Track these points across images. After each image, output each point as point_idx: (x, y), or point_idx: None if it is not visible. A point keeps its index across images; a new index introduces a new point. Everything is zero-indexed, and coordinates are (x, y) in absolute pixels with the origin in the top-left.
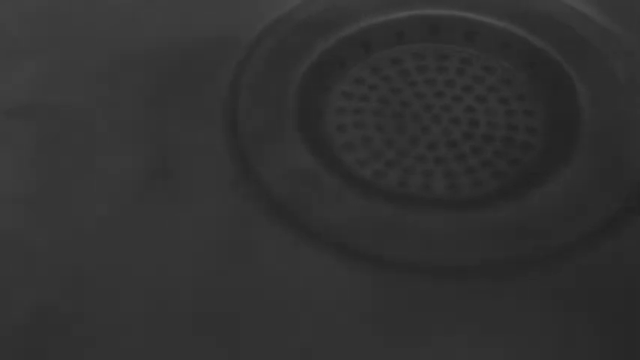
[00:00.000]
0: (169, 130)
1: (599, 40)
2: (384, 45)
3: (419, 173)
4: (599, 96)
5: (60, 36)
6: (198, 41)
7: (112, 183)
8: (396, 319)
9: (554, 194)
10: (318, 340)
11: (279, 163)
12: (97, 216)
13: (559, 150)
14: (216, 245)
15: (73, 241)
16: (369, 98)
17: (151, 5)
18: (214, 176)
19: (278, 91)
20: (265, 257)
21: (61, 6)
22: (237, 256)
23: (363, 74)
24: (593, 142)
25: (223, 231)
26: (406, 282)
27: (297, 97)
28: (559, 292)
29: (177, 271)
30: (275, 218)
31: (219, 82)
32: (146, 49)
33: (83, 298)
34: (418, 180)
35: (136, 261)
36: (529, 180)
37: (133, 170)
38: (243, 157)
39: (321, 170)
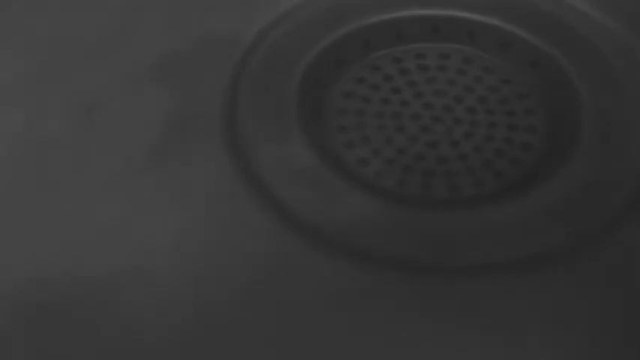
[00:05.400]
0: (168, 129)
1: (600, 39)
2: (384, 44)
3: (419, 173)
4: (600, 95)
5: (63, 42)
6: (198, 41)
7: (110, 182)
8: (396, 319)
9: (555, 194)
10: (318, 340)
11: (280, 163)
12: (98, 217)
13: (559, 150)
14: (216, 245)
15: (77, 242)
16: (370, 98)
17: (151, 6)
18: (214, 176)
19: (278, 90)
20: (265, 257)
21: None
22: (237, 256)
23: (363, 74)
24: (593, 141)
25: (223, 231)
26: (406, 282)
27: (297, 96)
28: (560, 292)
29: (176, 272)
30: (275, 218)
31: (219, 82)
32: (146, 50)
33: (79, 291)
34: (419, 180)
35: (135, 262)
36: (529, 179)
37: (132, 169)
38: (243, 157)
39: (321, 170)
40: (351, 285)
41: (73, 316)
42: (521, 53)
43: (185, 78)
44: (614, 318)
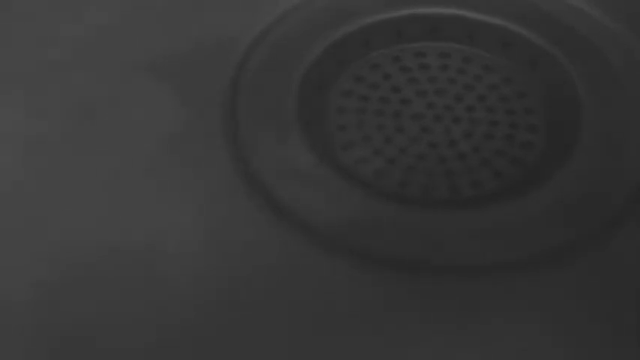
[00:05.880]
0: (168, 129)
1: (600, 38)
2: (384, 43)
3: (419, 173)
4: (600, 95)
5: (62, 42)
6: (198, 41)
7: (111, 182)
8: (396, 319)
9: (555, 194)
10: (318, 340)
11: (279, 163)
12: (98, 218)
13: (559, 149)
14: (216, 245)
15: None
16: (370, 97)
17: (151, 6)
18: (214, 176)
19: (278, 90)
20: (265, 257)
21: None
22: (236, 256)
23: (363, 73)
24: (593, 141)
25: (223, 231)
26: (406, 282)
27: (297, 96)
28: (560, 292)
29: (176, 272)
30: (275, 218)
31: (219, 82)
32: (146, 50)
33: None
34: (419, 179)
35: (134, 263)
36: (529, 179)
37: (132, 170)
38: (243, 157)
39: (321, 170)
40: (351, 285)
41: (73, 317)
42: (522, 52)
43: (185, 78)
44: (614, 318)
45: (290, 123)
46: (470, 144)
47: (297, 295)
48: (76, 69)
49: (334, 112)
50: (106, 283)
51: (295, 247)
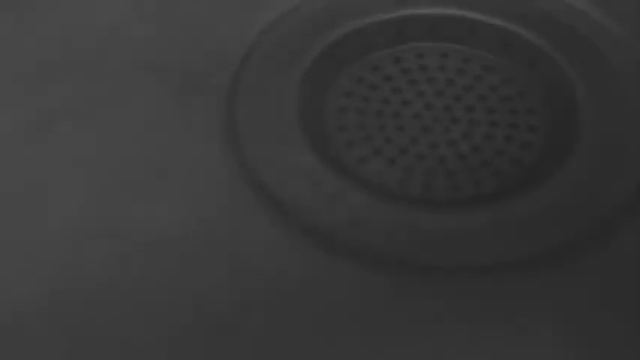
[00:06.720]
0: (169, 129)
1: (600, 38)
2: (384, 44)
3: (419, 173)
4: (600, 95)
5: (62, 43)
6: (198, 40)
7: (111, 182)
8: (396, 319)
9: (554, 194)
10: (318, 340)
11: (280, 163)
12: (97, 218)
13: (559, 149)
14: (216, 245)
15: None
16: (370, 98)
17: (150, 6)
18: (214, 176)
19: (278, 90)
20: (265, 257)
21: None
22: (236, 257)
23: (363, 73)
24: (593, 141)
25: (223, 231)
26: (406, 282)
27: (297, 96)
28: (559, 292)
29: (177, 272)
30: (275, 218)
31: (219, 82)
32: (145, 49)
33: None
34: (419, 180)
35: (134, 263)
36: (529, 179)
37: (133, 170)
38: (243, 157)
39: (321, 170)
40: (351, 285)
41: (73, 317)
42: (521, 53)
43: (185, 78)
44: (614, 318)
45: (290, 123)
46: (470, 144)
47: (298, 295)
48: (76, 69)
49: (334, 112)
50: (106, 283)
51: (295, 248)
